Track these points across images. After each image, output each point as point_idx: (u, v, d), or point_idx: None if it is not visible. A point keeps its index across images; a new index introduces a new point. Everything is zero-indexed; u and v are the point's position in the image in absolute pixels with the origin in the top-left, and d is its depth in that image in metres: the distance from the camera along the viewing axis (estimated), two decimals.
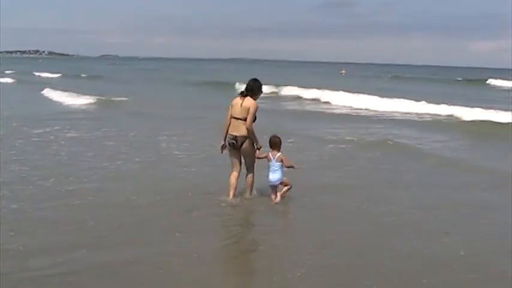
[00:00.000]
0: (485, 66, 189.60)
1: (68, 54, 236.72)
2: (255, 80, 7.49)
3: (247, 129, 7.24)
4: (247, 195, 7.50)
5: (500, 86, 49.50)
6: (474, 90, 40.99)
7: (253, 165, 7.48)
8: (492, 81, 53.60)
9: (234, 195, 7.39)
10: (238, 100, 7.35)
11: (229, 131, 7.39)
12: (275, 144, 7.38)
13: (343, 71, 72.37)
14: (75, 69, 62.66)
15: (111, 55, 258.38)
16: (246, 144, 7.35)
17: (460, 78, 61.60)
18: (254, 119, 7.31)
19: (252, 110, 7.22)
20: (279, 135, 7.44)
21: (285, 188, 7.37)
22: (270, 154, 7.38)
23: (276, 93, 30.10)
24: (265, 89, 28.80)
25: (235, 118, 7.35)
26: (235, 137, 7.34)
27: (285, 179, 7.36)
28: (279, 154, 7.36)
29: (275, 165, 7.31)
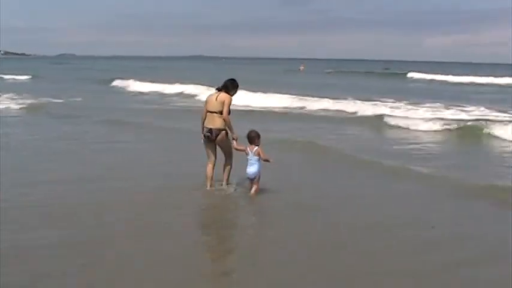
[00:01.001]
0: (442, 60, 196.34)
1: (24, 54, 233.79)
2: (232, 80, 8.02)
3: (224, 120, 7.71)
4: (223, 183, 8.00)
5: (417, 79, 54.63)
6: (383, 82, 45.58)
7: (230, 155, 7.98)
8: (412, 74, 58.53)
9: (211, 185, 7.95)
10: (213, 96, 7.92)
11: (205, 124, 7.84)
12: (252, 138, 7.78)
13: (302, 67, 71.64)
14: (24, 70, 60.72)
15: (69, 54, 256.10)
16: (220, 136, 7.81)
17: (387, 71, 66.14)
18: (229, 112, 7.77)
19: (227, 102, 7.71)
20: (257, 130, 7.92)
21: (255, 186, 7.74)
22: (247, 148, 7.77)
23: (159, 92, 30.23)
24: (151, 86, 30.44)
25: (210, 112, 7.81)
26: (210, 130, 7.80)
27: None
28: (256, 148, 7.74)
29: (253, 159, 7.70)
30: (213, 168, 7.94)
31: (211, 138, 7.82)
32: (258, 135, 7.80)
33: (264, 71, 62.81)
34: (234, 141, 7.85)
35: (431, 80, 51.43)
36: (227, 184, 8.03)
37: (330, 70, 67.10)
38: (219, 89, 7.90)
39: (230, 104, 7.75)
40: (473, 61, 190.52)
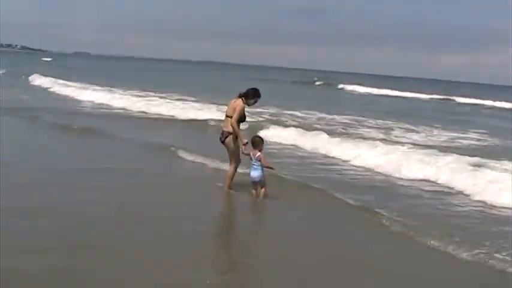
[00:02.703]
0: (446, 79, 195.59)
1: (41, 50, 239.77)
2: (254, 89, 8.27)
3: (231, 125, 7.99)
4: (225, 185, 8.25)
5: (350, 91, 55.80)
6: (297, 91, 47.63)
7: (235, 158, 8.18)
8: (343, 86, 59.28)
9: (228, 186, 8.25)
10: (232, 101, 8.22)
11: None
12: (256, 143, 8.03)
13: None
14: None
15: (84, 52, 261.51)
16: (228, 139, 8.08)
17: (319, 82, 66.68)
18: (243, 119, 8.11)
19: (238, 109, 7.97)
20: (261, 136, 8.40)
21: (262, 190, 7.98)
22: (251, 153, 7.99)
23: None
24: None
25: (226, 116, 8.20)
26: (222, 132, 8.20)
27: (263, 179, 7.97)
28: (258, 154, 7.94)
29: (255, 163, 7.90)
30: (233, 171, 8.23)
31: (221, 140, 8.19)
32: (262, 141, 8.14)
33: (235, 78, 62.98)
34: (243, 146, 8.05)
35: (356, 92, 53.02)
36: (229, 189, 8.28)
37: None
38: (240, 95, 8.17)
39: (241, 111, 7.99)
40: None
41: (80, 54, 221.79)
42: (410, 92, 53.09)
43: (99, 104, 23.14)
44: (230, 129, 8.00)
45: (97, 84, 31.39)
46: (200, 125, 17.14)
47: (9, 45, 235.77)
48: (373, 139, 14.80)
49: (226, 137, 8.07)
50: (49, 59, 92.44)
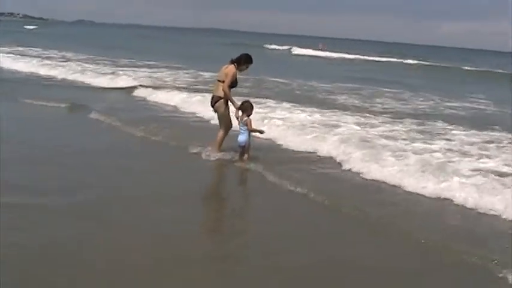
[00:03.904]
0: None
1: (42, 18, 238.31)
2: (247, 55, 8.29)
3: (223, 90, 8.04)
4: (214, 148, 8.26)
5: (273, 49, 59.10)
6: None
7: (225, 124, 8.24)
8: (267, 46, 61.84)
9: (217, 150, 8.27)
10: (224, 66, 8.23)
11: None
12: (245, 108, 8.09)
13: (320, 46, 69.35)
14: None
15: (87, 20, 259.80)
16: (218, 104, 8.16)
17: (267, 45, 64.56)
18: (234, 84, 8.12)
19: (230, 74, 8.02)
20: (250, 101, 8.28)
21: (245, 155, 8.10)
22: (239, 117, 8.10)
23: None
24: None
25: (217, 80, 8.26)
26: (212, 97, 8.27)
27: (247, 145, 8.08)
28: (245, 118, 8.05)
29: (243, 128, 8.04)
30: (222, 136, 8.26)
31: (211, 105, 8.25)
32: (251, 106, 8.09)
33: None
34: (236, 111, 8.13)
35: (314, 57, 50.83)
36: (218, 152, 8.27)
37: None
38: (232, 61, 8.18)
39: (233, 76, 8.02)
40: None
41: (82, 22, 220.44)
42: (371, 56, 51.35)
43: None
44: (221, 94, 8.03)
45: (54, 52, 30.91)
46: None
47: (11, 14, 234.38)
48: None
49: (216, 101, 8.12)
50: (32, 27, 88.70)
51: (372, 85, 22.04)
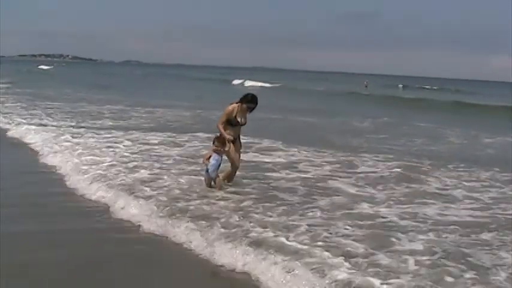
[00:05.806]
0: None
1: (91, 59, 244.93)
2: (253, 95, 8.37)
3: (216, 126, 8.30)
4: (222, 176, 8.33)
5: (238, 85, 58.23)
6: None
7: (230, 161, 8.35)
8: (235, 81, 62.49)
9: (223, 178, 8.27)
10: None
11: None
12: (219, 141, 8.16)
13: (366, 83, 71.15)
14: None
15: (134, 61, 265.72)
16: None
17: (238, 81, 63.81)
18: (231, 122, 8.17)
19: (225, 111, 8.24)
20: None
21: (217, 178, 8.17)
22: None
23: None
24: None
25: None
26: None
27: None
28: (214, 147, 8.18)
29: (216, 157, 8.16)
30: (231, 172, 8.42)
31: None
32: (217, 138, 8.17)
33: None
34: (227, 143, 8.14)
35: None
36: (227, 183, 8.33)
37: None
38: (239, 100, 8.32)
39: (227, 113, 8.19)
40: None
41: (128, 63, 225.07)
42: None
43: None
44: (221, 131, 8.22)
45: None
46: None
47: (61, 56, 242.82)
48: None
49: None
50: (46, 67, 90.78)
51: None
